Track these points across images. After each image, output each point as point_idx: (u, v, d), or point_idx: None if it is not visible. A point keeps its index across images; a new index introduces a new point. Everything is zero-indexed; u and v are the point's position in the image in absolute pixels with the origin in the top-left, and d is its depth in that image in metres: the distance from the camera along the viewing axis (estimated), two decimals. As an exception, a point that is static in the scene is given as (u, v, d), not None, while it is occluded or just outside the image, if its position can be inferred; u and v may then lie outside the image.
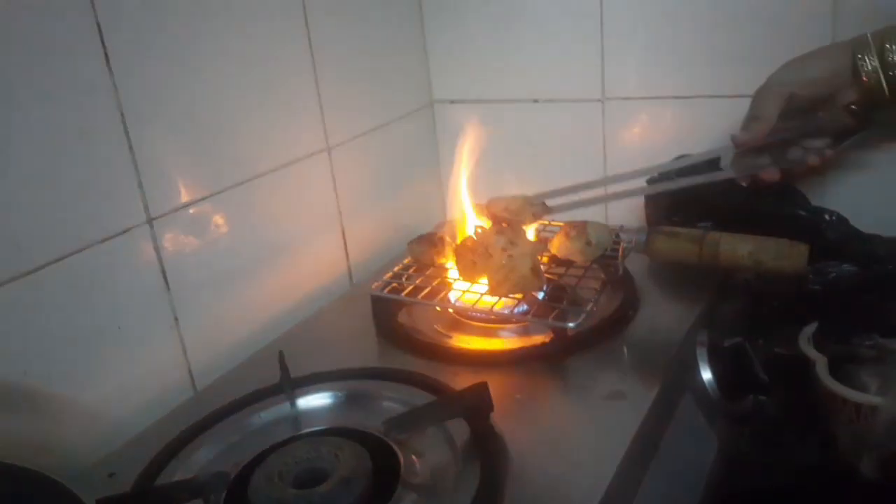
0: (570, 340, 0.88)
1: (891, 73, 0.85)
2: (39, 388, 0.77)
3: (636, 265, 1.03)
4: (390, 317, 0.99)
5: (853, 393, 0.87)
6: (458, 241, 1.01)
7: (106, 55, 0.80)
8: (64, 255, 0.78)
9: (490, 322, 0.97)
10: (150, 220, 0.87)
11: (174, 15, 0.88)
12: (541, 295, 0.94)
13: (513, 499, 0.67)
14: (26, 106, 0.74)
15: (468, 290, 0.96)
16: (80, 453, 0.79)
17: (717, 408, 0.92)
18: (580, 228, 0.97)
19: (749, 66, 0.97)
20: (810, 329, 0.96)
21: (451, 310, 1.00)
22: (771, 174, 0.93)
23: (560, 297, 0.93)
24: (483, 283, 0.95)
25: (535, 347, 0.90)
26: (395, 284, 1.00)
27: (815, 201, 1.04)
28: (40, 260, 0.76)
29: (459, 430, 0.74)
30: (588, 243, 0.96)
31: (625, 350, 0.90)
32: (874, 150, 1.06)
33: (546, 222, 1.07)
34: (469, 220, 1.08)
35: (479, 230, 1.01)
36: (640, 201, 1.13)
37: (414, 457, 0.73)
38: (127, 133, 0.83)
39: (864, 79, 0.87)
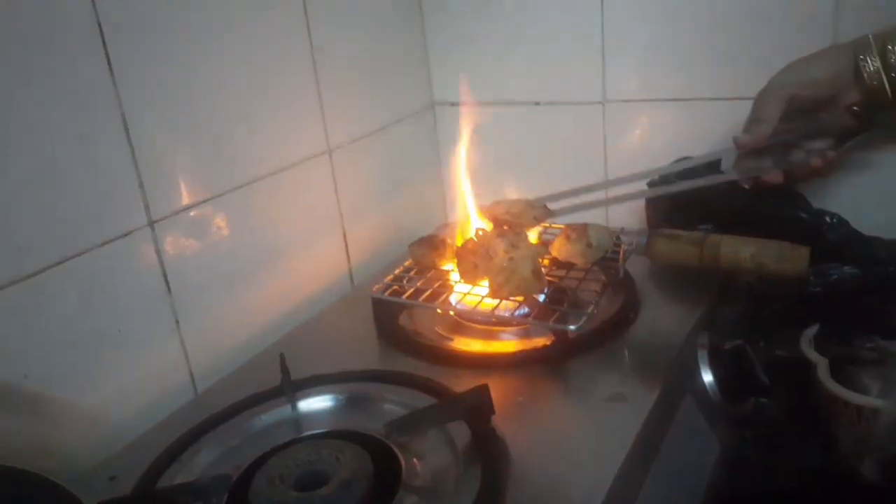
0: (571, 343, 0.88)
1: (893, 75, 0.85)
2: (40, 391, 0.77)
3: (637, 267, 1.03)
4: (391, 319, 0.99)
5: (854, 395, 0.87)
6: (459, 243, 1.01)
7: (107, 58, 0.80)
8: (65, 258, 0.78)
9: (491, 324, 0.97)
10: (151, 223, 0.87)
11: (175, 17, 0.88)
12: (542, 297, 0.94)
13: (514, 501, 0.67)
14: (27, 108, 0.74)
15: (469, 293, 0.96)
16: (80, 456, 0.80)
17: (718, 410, 0.92)
18: (581, 231, 0.96)
19: (750, 69, 0.98)
20: (811, 331, 0.96)
21: (452, 312, 1.00)
22: (773, 176, 0.93)
23: (561, 300, 0.93)
24: (484, 286, 0.95)
25: (535, 350, 0.90)
26: (396, 287, 1.00)
27: (817, 203, 1.04)
28: (41, 263, 0.76)
29: (460, 432, 0.74)
30: (589, 246, 0.96)
31: (626, 352, 0.90)
32: (875, 152, 1.06)
33: (547, 225, 1.07)
34: (470, 222, 1.08)
35: (481, 232, 1.01)
36: (640, 204, 1.13)
37: (415, 459, 0.73)
38: (128, 135, 0.83)
39: (867, 80, 0.87)
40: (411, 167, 1.35)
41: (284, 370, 0.84)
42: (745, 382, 0.93)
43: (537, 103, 1.28)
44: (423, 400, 0.80)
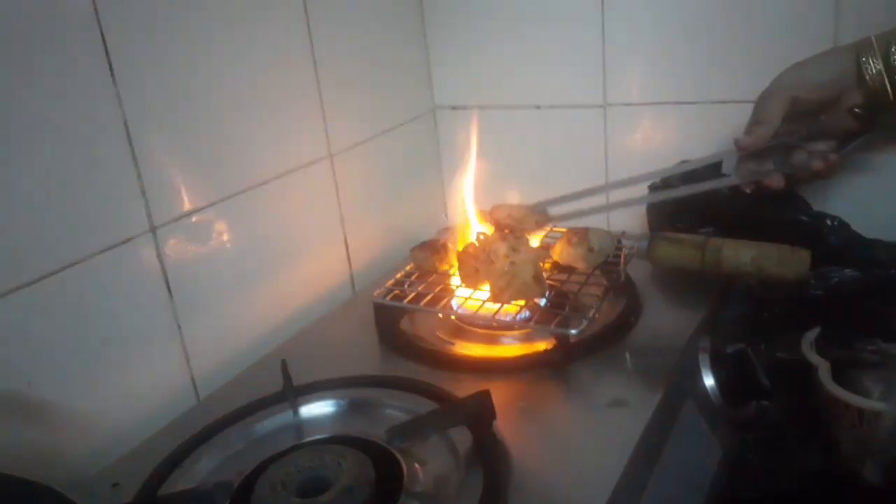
0: (573, 347, 0.88)
1: (895, 76, 0.85)
2: (43, 398, 0.77)
3: (638, 271, 1.03)
4: (393, 324, 0.99)
5: (856, 398, 0.87)
6: (461, 247, 1.01)
7: (110, 65, 0.81)
8: (67, 265, 0.78)
9: (492, 329, 0.97)
10: (153, 229, 0.87)
11: (177, 24, 0.88)
12: (543, 301, 0.94)
13: (515, 506, 0.67)
14: (29, 115, 0.74)
15: (470, 297, 0.96)
16: (83, 463, 0.80)
17: (720, 414, 0.92)
18: (582, 235, 0.96)
19: (751, 72, 0.98)
20: (813, 334, 0.96)
21: (453, 317, 1.00)
22: (775, 181, 0.93)
23: (562, 304, 0.93)
24: (485, 290, 0.95)
25: (537, 354, 0.90)
26: (397, 291, 1.00)
27: (817, 206, 1.04)
28: (43, 269, 0.76)
29: (462, 437, 0.74)
30: (590, 250, 0.96)
31: (627, 356, 0.90)
32: (876, 155, 1.06)
33: (548, 229, 1.07)
34: (472, 226, 1.08)
35: (482, 236, 1.02)
36: (642, 207, 1.13)
37: (417, 465, 0.73)
38: (130, 142, 0.84)
39: (868, 82, 0.87)
40: (412, 171, 1.35)
41: (286, 376, 0.84)
42: (746, 386, 0.93)
43: (538, 107, 1.28)
44: (424, 405, 0.80)
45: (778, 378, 0.93)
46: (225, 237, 0.97)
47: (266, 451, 0.77)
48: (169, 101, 0.88)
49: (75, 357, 0.80)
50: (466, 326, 0.99)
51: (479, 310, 0.94)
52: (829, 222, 1.00)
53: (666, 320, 0.97)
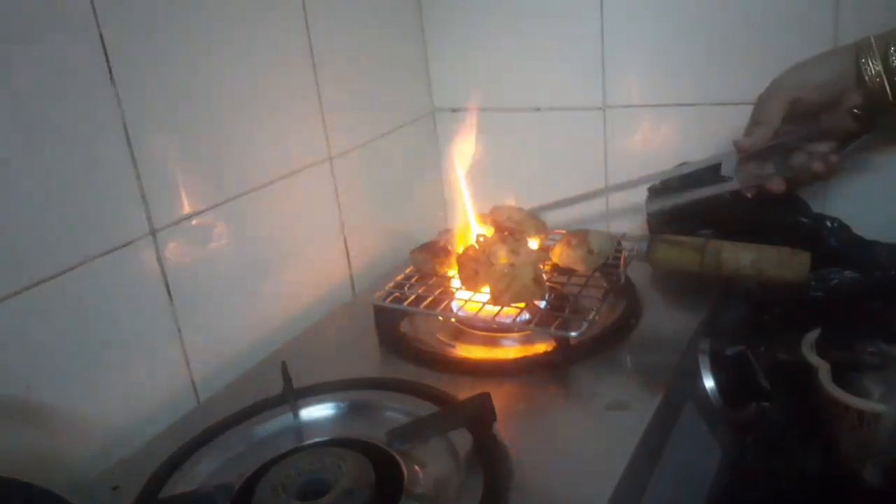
0: (573, 349, 0.88)
1: (895, 77, 0.85)
2: (42, 402, 0.77)
3: (638, 273, 1.03)
4: (393, 326, 0.99)
5: (856, 400, 0.87)
6: (460, 249, 1.01)
7: (109, 67, 0.81)
8: (67, 268, 0.78)
9: (492, 331, 0.97)
10: (153, 232, 0.87)
11: (176, 27, 0.88)
12: (543, 304, 0.94)
13: (516, 509, 0.67)
14: (28, 118, 0.74)
15: (470, 300, 0.96)
16: (83, 466, 0.80)
17: (720, 416, 0.92)
18: (582, 237, 0.97)
19: (751, 73, 0.98)
20: (813, 336, 0.96)
21: (453, 319, 1.00)
22: (776, 185, 0.93)
23: (562, 306, 0.94)
24: (485, 293, 0.95)
25: (537, 356, 0.90)
26: (397, 294, 1.00)
27: (817, 208, 1.04)
28: (43, 273, 0.76)
29: (462, 440, 0.74)
30: (590, 252, 0.96)
31: (627, 359, 0.90)
32: (875, 156, 1.06)
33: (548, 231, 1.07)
34: (471, 228, 1.08)
35: (482, 238, 1.02)
36: (641, 207, 1.13)
37: (417, 467, 0.73)
38: (130, 145, 0.84)
39: (868, 82, 0.87)
40: (412, 174, 1.35)
41: (286, 378, 0.84)
42: (746, 387, 0.93)
43: (538, 109, 1.28)
44: (424, 407, 0.80)
45: (778, 380, 0.93)
46: (225, 240, 0.97)
47: (266, 454, 0.77)
48: (168, 103, 0.88)
49: (75, 360, 0.80)
50: (466, 329, 0.99)
51: (479, 312, 0.94)
52: (828, 224, 1.01)
53: (666, 322, 0.97)
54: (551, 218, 1.07)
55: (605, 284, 0.98)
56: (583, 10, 1.19)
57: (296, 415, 0.84)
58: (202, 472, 0.76)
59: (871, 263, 0.98)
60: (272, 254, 1.04)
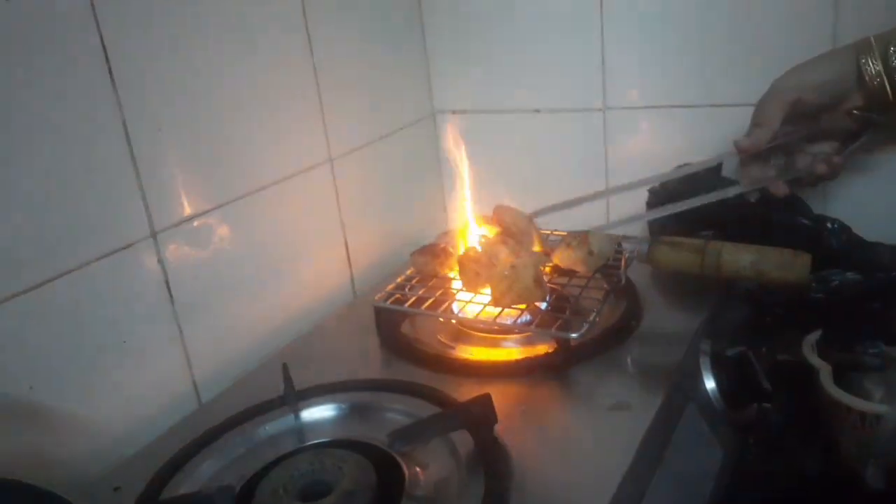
0: (574, 351, 0.88)
1: (895, 77, 0.85)
2: (44, 403, 0.77)
3: (639, 274, 1.03)
4: (393, 328, 0.99)
5: (857, 401, 0.87)
6: (461, 251, 1.01)
7: (109, 70, 0.81)
8: (68, 270, 0.78)
9: (493, 332, 0.97)
10: (153, 234, 0.87)
11: (177, 29, 0.88)
12: (544, 305, 0.94)
13: (517, 510, 0.67)
14: (29, 121, 0.74)
15: (471, 301, 0.96)
16: (84, 467, 0.80)
17: (721, 417, 0.92)
18: (582, 238, 0.96)
19: (751, 75, 0.98)
20: (814, 337, 0.96)
21: (454, 320, 1.00)
22: (780, 189, 0.93)
23: (563, 308, 0.94)
24: (486, 294, 0.95)
25: (538, 358, 0.90)
26: (398, 295, 1.00)
27: (817, 209, 1.04)
28: (44, 275, 0.76)
29: (463, 441, 0.74)
30: (590, 253, 0.96)
31: (628, 360, 0.90)
32: (876, 158, 1.06)
33: (548, 232, 1.07)
34: (472, 230, 1.08)
35: (484, 239, 1.02)
36: (642, 209, 1.13)
37: (418, 469, 0.73)
38: (130, 147, 0.84)
39: (868, 82, 0.86)
40: (412, 175, 1.35)
41: (287, 379, 0.84)
42: (747, 388, 0.93)
43: (538, 111, 1.28)
44: (425, 409, 0.80)
45: (779, 381, 0.93)
46: (226, 241, 0.97)
47: (268, 455, 0.78)
48: (169, 105, 0.88)
49: (76, 362, 0.80)
50: (467, 330, 0.99)
51: (480, 313, 0.94)
52: (829, 225, 1.00)
53: (667, 323, 0.97)
54: (551, 221, 1.06)
55: (605, 286, 0.98)
56: (583, 13, 1.19)
57: (297, 416, 0.84)
58: (203, 473, 0.76)
59: (873, 265, 0.98)
60: (273, 255, 1.04)
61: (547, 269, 0.99)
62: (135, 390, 0.86)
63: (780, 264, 0.88)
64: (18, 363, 0.74)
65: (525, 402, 0.84)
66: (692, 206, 0.98)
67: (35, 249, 0.75)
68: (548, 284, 0.94)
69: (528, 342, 0.95)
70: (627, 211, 1.14)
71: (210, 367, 0.95)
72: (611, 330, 0.93)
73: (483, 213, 1.10)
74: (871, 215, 1.04)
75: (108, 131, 0.82)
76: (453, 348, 0.96)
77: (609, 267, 0.98)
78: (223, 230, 0.96)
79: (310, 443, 0.80)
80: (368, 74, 1.20)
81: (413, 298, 0.99)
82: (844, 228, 1.00)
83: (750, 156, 0.94)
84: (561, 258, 0.97)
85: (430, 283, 1.02)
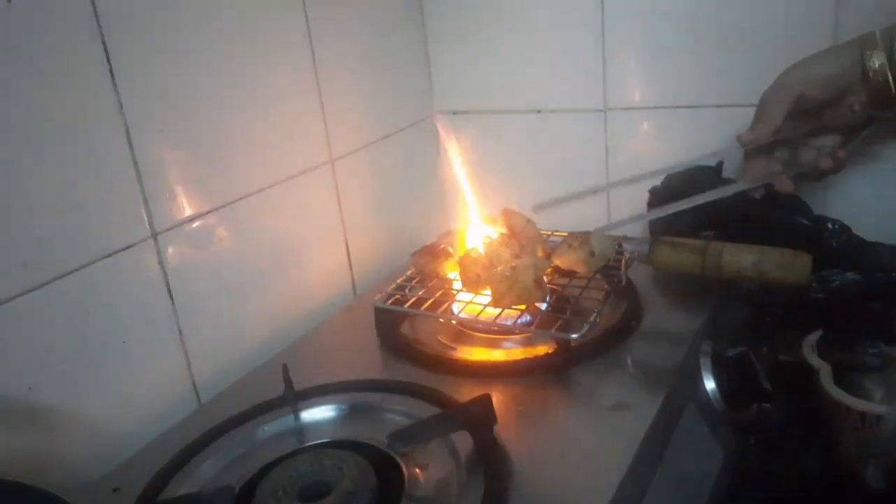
0: (574, 351, 0.88)
1: None
2: (44, 403, 0.77)
3: (639, 275, 1.03)
4: (394, 328, 0.99)
5: (857, 401, 0.87)
6: (462, 252, 1.01)
7: (111, 71, 0.81)
8: (68, 271, 0.78)
9: (493, 333, 0.97)
10: (154, 235, 0.87)
11: (178, 30, 0.88)
12: (544, 306, 0.94)
13: (516, 511, 0.67)
14: (30, 121, 0.74)
15: (471, 302, 0.96)
16: (84, 468, 0.80)
17: (722, 417, 0.92)
18: (583, 239, 0.96)
19: (752, 75, 0.98)
20: (814, 337, 0.96)
21: (454, 321, 1.00)
22: (786, 186, 0.93)
23: (563, 308, 0.94)
24: (486, 295, 0.95)
25: (538, 358, 0.90)
26: (398, 296, 1.00)
27: (818, 210, 1.04)
28: (45, 275, 0.76)
29: (463, 442, 0.74)
30: (591, 254, 0.95)
31: (629, 361, 0.90)
32: (876, 159, 1.06)
33: (549, 233, 1.07)
34: (472, 231, 1.08)
35: (488, 238, 1.02)
36: (643, 209, 1.13)
37: (417, 469, 0.73)
38: (131, 148, 0.84)
39: (872, 76, 0.86)
40: (413, 176, 1.35)
41: (287, 380, 0.84)
42: (747, 389, 0.92)
43: (538, 111, 1.28)
44: (425, 410, 0.80)
45: (779, 381, 0.93)
46: (226, 242, 0.97)
47: (267, 456, 0.77)
48: (170, 106, 0.88)
49: (76, 362, 0.80)
50: (467, 331, 0.99)
51: (480, 314, 0.94)
52: (830, 226, 1.00)
53: (667, 324, 0.97)
54: (552, 221, 1.06)
55: (606, 286, 0.98)
56: (583, 13, 1.19)
57: (297, 417, 0.84)
58: (203, 474, 0.76)
59: (873, 265, 0.98)
60: (274, 256, 1.05)
61: (547, 270, 0.99)
62: (134, 391, 0.86)
63: (781, 264, 0.88)
64: (17, 364, 0.75)
65: (525, 402, 0.84)
66: (695, 204, 0.97)
67: (35, 250, 0.75)
68: (548, 285, 0.94)
69: (529, 343, 0.95)
70: (628, 211, 1.14)
71: (210, 367, 0.95)
72: (611, 330, 0.93)
73: (492, 214, 1.09)
74: (871, 215, 1.04)
75: (110, 132, 0.82)
76: (453, 349, 0.96)
77: (610, 268, 0.98)
78: (223, 231, 0.96)
79: (309, 443, 0.80)
80: (370, 75, 1.21)
81: (413, 299, 0.99)
82: (844, 229, 1.00)
83: (753, 151, 0.94)
84: (562, 259, 0.97)
85: (430, 284, 1.02)
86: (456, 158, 1.38)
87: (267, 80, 1.01)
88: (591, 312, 0.91)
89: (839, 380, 0.90)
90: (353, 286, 1.20)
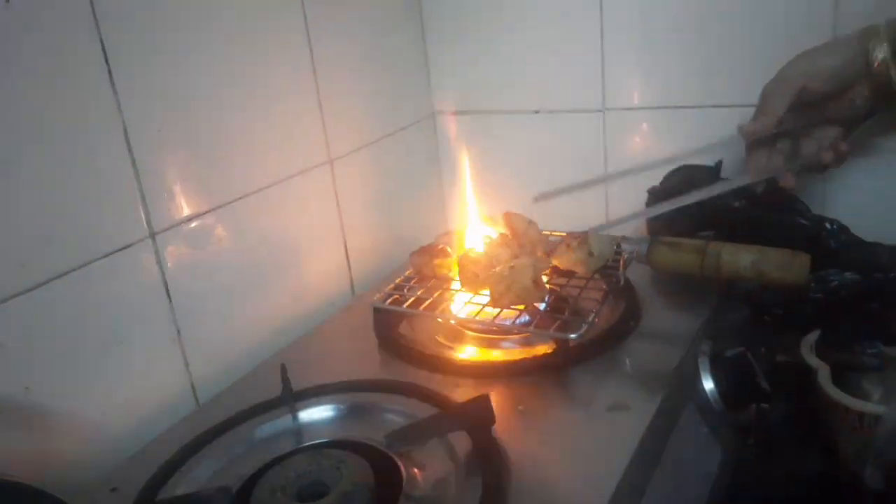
0: (572, 351, 0.88)
1: None
2: (41, 404, 0.77)
3: (638, 275, 1.03)
4: (392, 328, 0.99)
5: (856, 402, 0.87)
6: (460, 252, 1.01)
7: (109, 72, 0.81)
8: (66, 271, 0.78)
9: (492, 333, 0.97)
10: (152, 235, 0.87)
11: (176, 30, 0.88)
12: (542, 306, 0.94)
13: (515, 511, 0.67)
14: (28, 121, 0.74)
15: (470, 302, 0.96)
16: (82, 468, 0.80)
17: (720, 417, 0.92)
18: (582, 239, 0.96)
19: (751, 76, 0.97)
20: (812, 337, 0.96)
21: (452, 321, 1.00)
22: (788, 181, 0.93)
23: (562, 308, 0.94)
24: (485, 295, 0.94)
25: (537, 359, 0.90)
26: (396, 296, 1.00)
27: (816, 210, 1.04)
28: (43, 275, 0.76)
29: (461, 442, 0.74)
30: (590, 254, 0.95)
31: (627, 361, 0.89)
32: (875, 158, 1.06)
33: (548, 233, 1.07)
34: (471, 231, 1.08)
35: (488, 238, 1.02)
36: (641, 209, 1.13)
37: (416, 470, 0.73)
38: (130, 148, 0.84)
39: (875, 68, 0.86)
40: (412, 176, 1.35)
41: (285, 380, 0.84)
42: (746, 389, 0.92)
43: (537, 112, 1.28)
44: (423, 410, 0.80)
45: (778, 381, 0.92)
46: (224, 242, 0.97)
47: (265, 456, 0.77)
48: (168, 106, 0.88)
49: (74, 362, 0.80)
50: (466, 331, 0.99)
51: (479, 314, 0.94)
52: (828, 226, 1.00)
53: (666, 324, 0.97)
54: (551, 221, 1.06)
55: (604, 286, 0.98)
56: (582, 13, 1.19)
57: (295, 417, 0.84)
58: (201, 474, 0.76)
59: (871, 265, 0.98)
60: (272, 256, 1.04)
61: (546, 270, 0.99)
62: (132, 391, 0.86)
63: (780, 264, 0.88)
64: (15, 364, 0.74)
65: (523, 402, 0.84)
66: (696, 200, 0.97)
67: (34, 250, 0.75)
68: (546, 285, 0.94)
69: (527, 343, 0.95)
70: (627, 209, 1.14)
71: (208, 367, 0.94)
72: (610, 331, 0.93)
73: (493, 214, 1.09)
74: (869, 215, 1.04)
75: (108, 132, 0.82)
76: (452, 349, 0.96)
77: (608, 268, 0.98)
78: (221, 231, 0.96)
79: (308, 443, 0.80)
80: (368, 75, 1.21)
81: (412, 299, 0.99)
82: (843, 229, 1.00)
83: (755, 143, 0.94)
84: (561, 259, 0.97)
85: (428, 284, 1.02)
86: (454, 158, 1.38)
87: (266, 80, 1.01)
88: (589, 312, 0.91)
89: (837, 380, 0.90)
90: (352, 286, 1.20)
